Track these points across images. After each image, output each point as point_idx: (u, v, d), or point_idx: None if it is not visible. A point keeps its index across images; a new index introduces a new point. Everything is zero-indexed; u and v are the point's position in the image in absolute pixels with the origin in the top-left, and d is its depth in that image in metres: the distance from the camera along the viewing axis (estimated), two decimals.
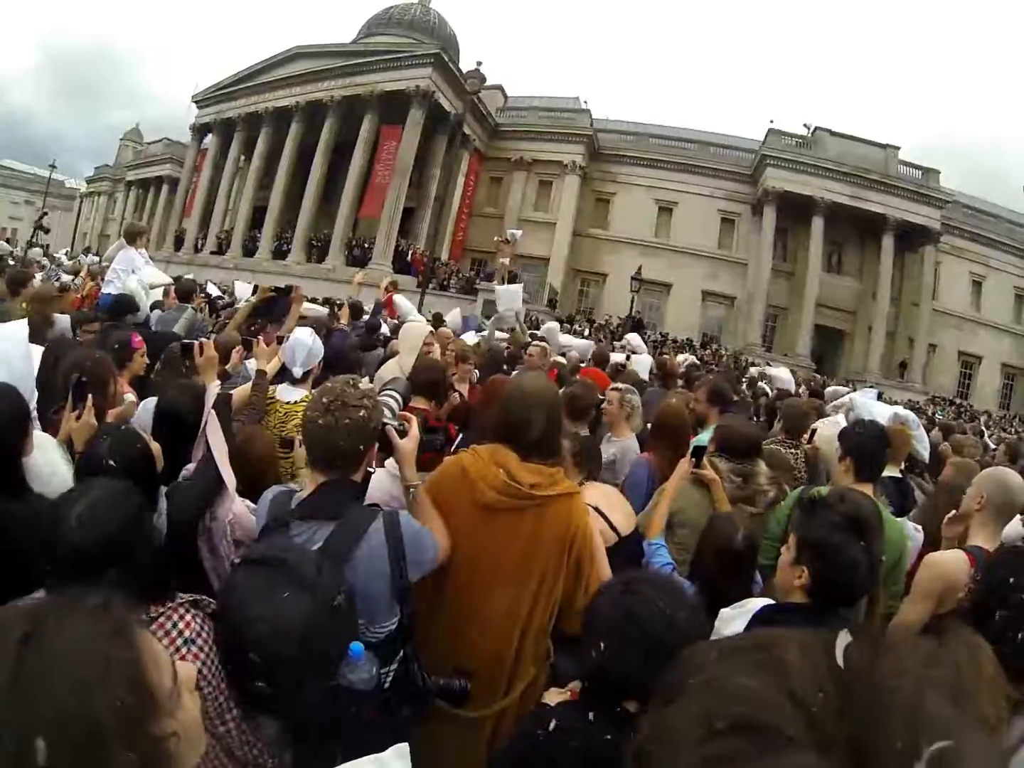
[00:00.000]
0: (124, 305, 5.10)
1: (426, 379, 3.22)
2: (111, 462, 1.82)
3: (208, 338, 5.54)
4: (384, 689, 1.60)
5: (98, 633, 0.55)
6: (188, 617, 1.40)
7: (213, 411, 2.24)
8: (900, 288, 29.76)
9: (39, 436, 2.00)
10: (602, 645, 1.33)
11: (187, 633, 1.37)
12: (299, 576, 1.39)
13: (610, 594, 1.43)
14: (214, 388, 2.37)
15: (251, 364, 3.73)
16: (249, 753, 1.43)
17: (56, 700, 0.49)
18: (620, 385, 4.04)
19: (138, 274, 5.87)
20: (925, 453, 4.90)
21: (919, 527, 2.93)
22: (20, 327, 2.75)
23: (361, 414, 1.63)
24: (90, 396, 2.35)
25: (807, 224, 29.08)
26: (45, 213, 32.85)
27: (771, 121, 31.25)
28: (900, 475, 3.81)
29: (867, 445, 2.77)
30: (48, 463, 1.93)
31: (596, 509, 2.35)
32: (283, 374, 3.51)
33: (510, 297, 8.22)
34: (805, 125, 31.43)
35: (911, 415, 5.04)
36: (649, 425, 3.75)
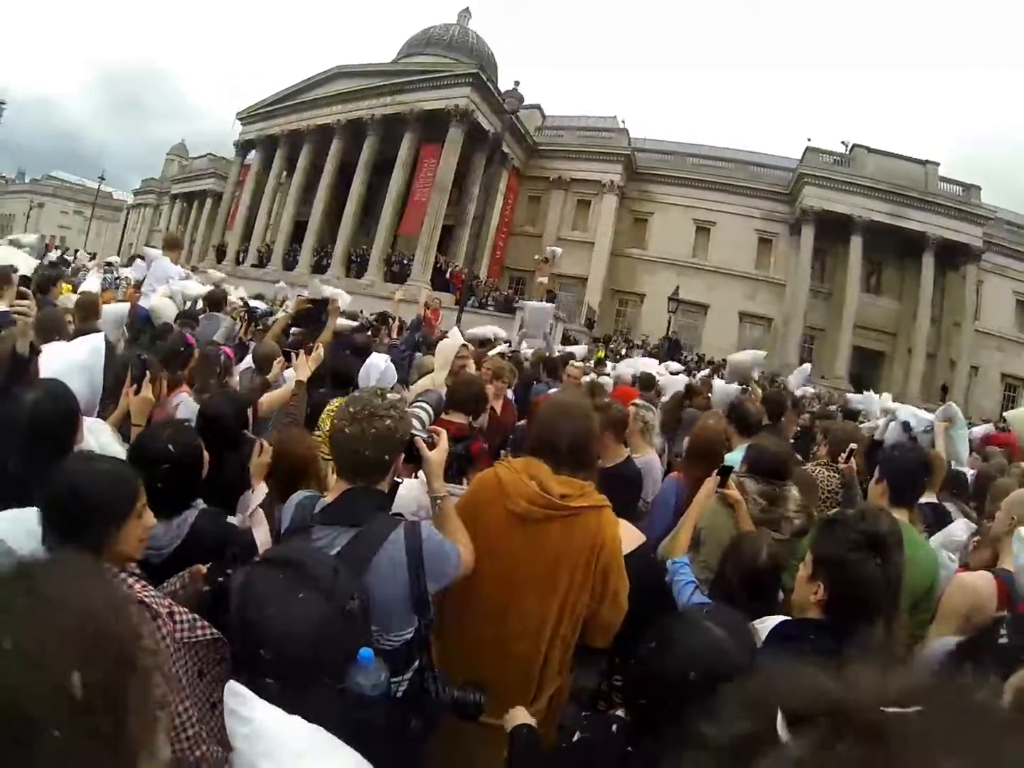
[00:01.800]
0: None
1: (466, 394, 3.30)
2: (170, 447, 1.92)
3: (248, 344, 5.68)
4: (396, 698, 1.61)
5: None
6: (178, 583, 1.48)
7: (260, 510, 2.26)
8: (941, 308, 29.08)
9: (91, 422, 2.16)
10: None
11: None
12: (314, 578, 1.43)
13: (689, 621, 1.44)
14: (261, 491, 2.35)
15: (289, 374, 3.86)
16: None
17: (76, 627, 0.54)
18: (637, 401, 4.12)
19: (172, 285, 6.03)
20: (965, 454, 4.86)
21: (954, 556, 2.84)
22: (98, 339, 2.95)
23: (387, 424, 1.66)
24: (149, 373, 2.56)
25: (846, 243, 28.66)
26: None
27: (808, 139, 30.76)
28: (936, 500, 3.71)
29: (905, 469, 2.72)
30: (101, 446, 2.05)
31: None
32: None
33: (536, 315, 8.22)
34: (843, 142, 31.05)
35: (957, 410, 4.90)
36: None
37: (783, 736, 0.43)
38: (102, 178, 47.22)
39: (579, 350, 10.13)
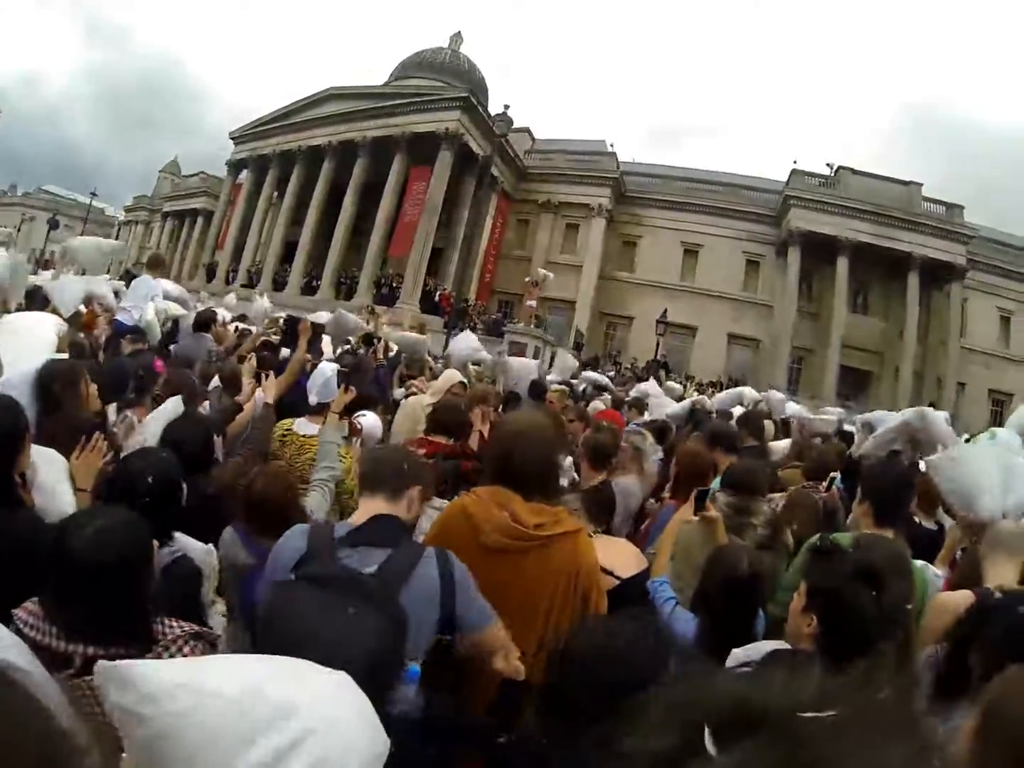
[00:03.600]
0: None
1: (448, 419, 3.38)
2: (149, 479, 1.86)
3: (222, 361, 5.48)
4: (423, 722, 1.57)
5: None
6: (187, 650, 1.39)
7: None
8: (927, 327, 29.42)
9: (45, 452, 2.01)
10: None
11: None
12: (363, 593, 1.41)
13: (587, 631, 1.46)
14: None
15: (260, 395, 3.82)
16: None
17: None
18: (632, 426, 4.20)
19: (156, 303, 6.00)
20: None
21: (939, 573, 2.69)
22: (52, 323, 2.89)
23: (411, 449, 1.79)
24: (97, 435, 2.31)
25: (832, 264, 29.02)
26: (55, 218, 34.32)
27: (794, 161, 31.30)
28: (938, 525, 3.57)
29: (886, 488, 2.65)
30: (52, 480, 1.95)
31: None
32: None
33: (524, 370, 8.07)
34: (828, 165, 31.58)
35: (930, 411, 4.78)
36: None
37: (711, 750, 0.44)
38: (94, 194, 47.43)
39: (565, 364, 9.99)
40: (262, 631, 1.46)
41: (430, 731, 1.61)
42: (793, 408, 9.34)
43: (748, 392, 9.29)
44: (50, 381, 2.46)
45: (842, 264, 28.91)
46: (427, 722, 1.59)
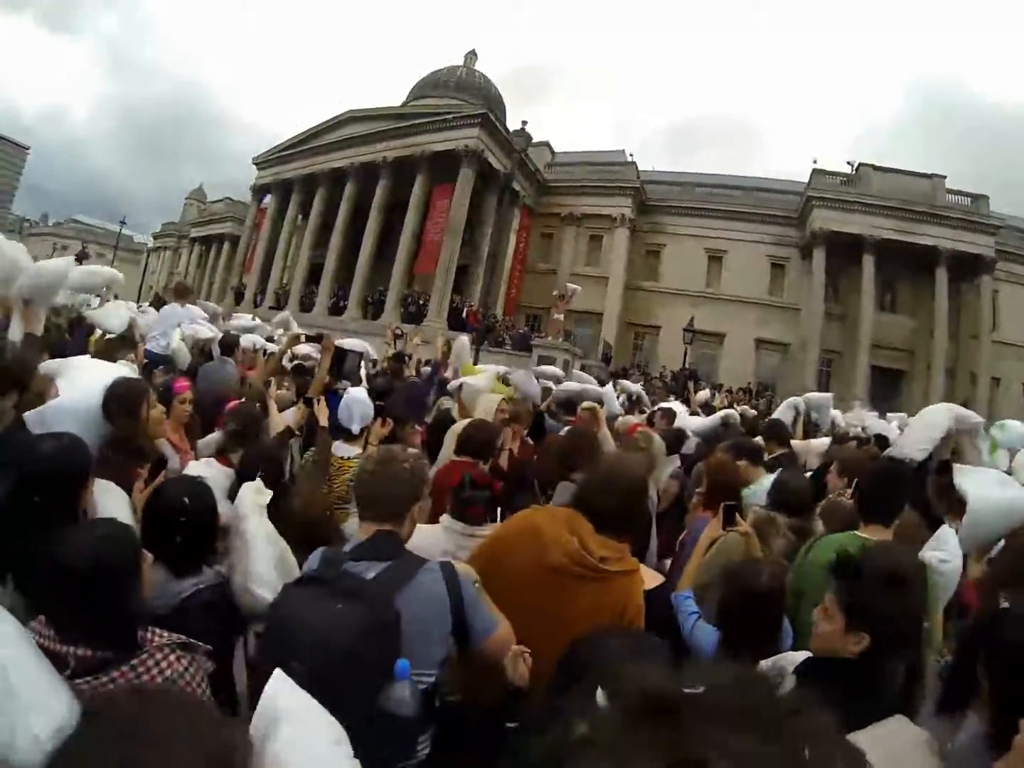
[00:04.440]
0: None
1: (479, 440, 3.38)
2: (186, 500, 1.95)
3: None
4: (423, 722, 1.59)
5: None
6: (172, 658, 1.43)
7: None
8: (958, 322, 28.74)
9: (102, 483, 2.09)
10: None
11: (168, 673, 1.40)
12: (352, 591, 1.48)
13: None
14: None
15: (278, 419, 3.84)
16: None
17: None
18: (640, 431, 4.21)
19: (183, 328, 6.00)
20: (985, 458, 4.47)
21: (945, 558, 2.53)
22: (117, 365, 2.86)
23: (404, 466, 1.80)
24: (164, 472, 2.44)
25: (858, 263, 28.54)
26: (85, 250, 35.30)
27: (815, 161, 30.92)
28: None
29: (875, 483, 2.66)
30: (113, 510, 2.02)
31: None
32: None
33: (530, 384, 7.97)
34: (848, 163, 31.29)
35: (971, 414, 4.52)
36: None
37: (600, 701, 0.50)
38: (123, 222, 48.56)
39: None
40: (266, 626, 1.60)
41: (439, 722, 1.67)
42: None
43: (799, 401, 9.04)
44: (109, 399, 2.55)
45: (868, 263, 28.44)
46: (437, 713, 1.66)
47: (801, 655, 1.79)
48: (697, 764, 0.42)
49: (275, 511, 2.26)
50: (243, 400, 3.93)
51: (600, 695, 0.50)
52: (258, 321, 11.14)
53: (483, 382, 5.80)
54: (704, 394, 14.73)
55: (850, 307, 29.31)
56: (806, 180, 30.47)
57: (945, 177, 29.49)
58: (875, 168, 30.07)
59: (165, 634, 1.49)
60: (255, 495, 2.22)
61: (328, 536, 2.28)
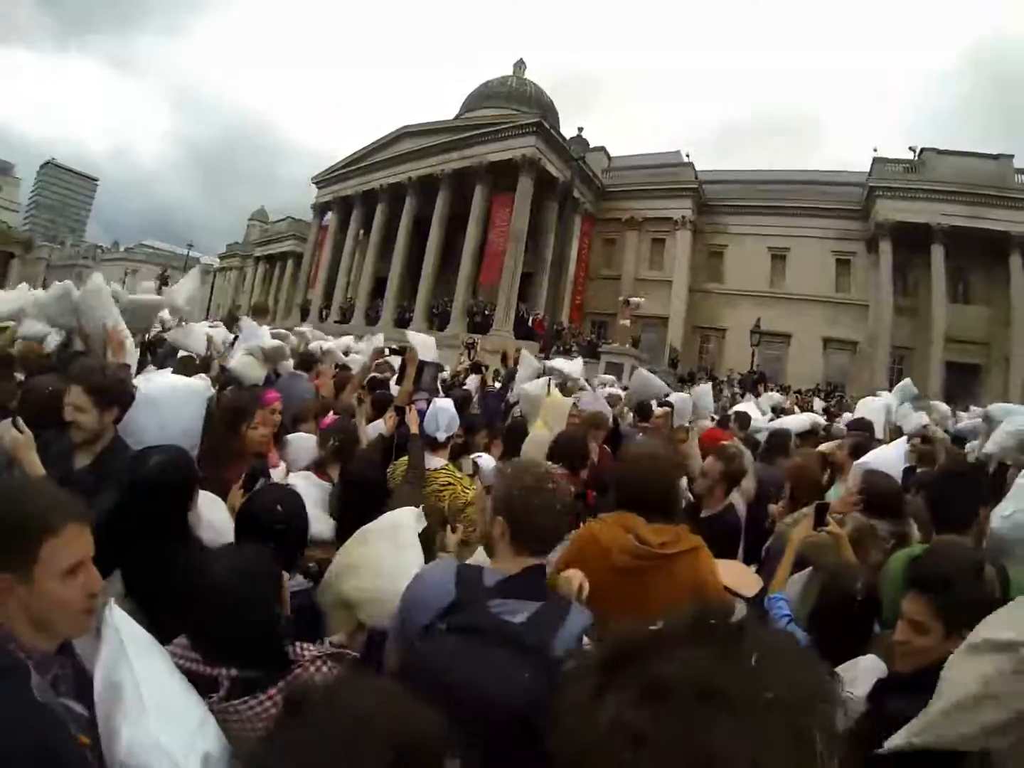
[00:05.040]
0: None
1: (571, 449, 3.42)
2: (279, 507, 2.00)
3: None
4: None
5: None
6: (325, 668, 1.46)
7: None
8: None
9: (204, 494, 2.19)
10: None
11: None
12: (512, 639, 1.37)
13: None
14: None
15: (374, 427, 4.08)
16: None
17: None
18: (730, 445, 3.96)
19: (259, 343, 5.81)
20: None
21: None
22: (204, 385, 2.99)
23: (557, 491, 1.66)
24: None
25: (926, 254, 27.59)
26: (165, 274, 37.10)
27: (875, 149, 30.04)
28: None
29: (944, 489, 2.67)
30: (218, 518, 2.22)
31: None
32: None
33: (649, 384, 7.85)
34: (911, 148, 30.03)
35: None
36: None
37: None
38: (190, 245, 50.81)
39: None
40: (403, 673, 1.43)
41: None
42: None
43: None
44: (216, 410, 2.79)
45: (937, 252, 27.47)
46: None
47: (871, 660, 1.83)
48: (663, 685, 0.50)
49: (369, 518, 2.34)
50: (338, 415, 4.11)
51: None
52: (331, 339, 11.78)
53: (537, 389, 5.89)
54: (776, 396, 14.65)
55: (920, 300, 28.36)
56: (867, 170, 29.69)
57: (1012, 156, 28.25)
58: (938, 152, 29.01)
59: (311, 647, 1.54)
60: (415, 522, 2.30)
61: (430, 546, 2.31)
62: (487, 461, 3.70)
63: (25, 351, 4.40)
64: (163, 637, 1.41)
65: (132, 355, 4.02)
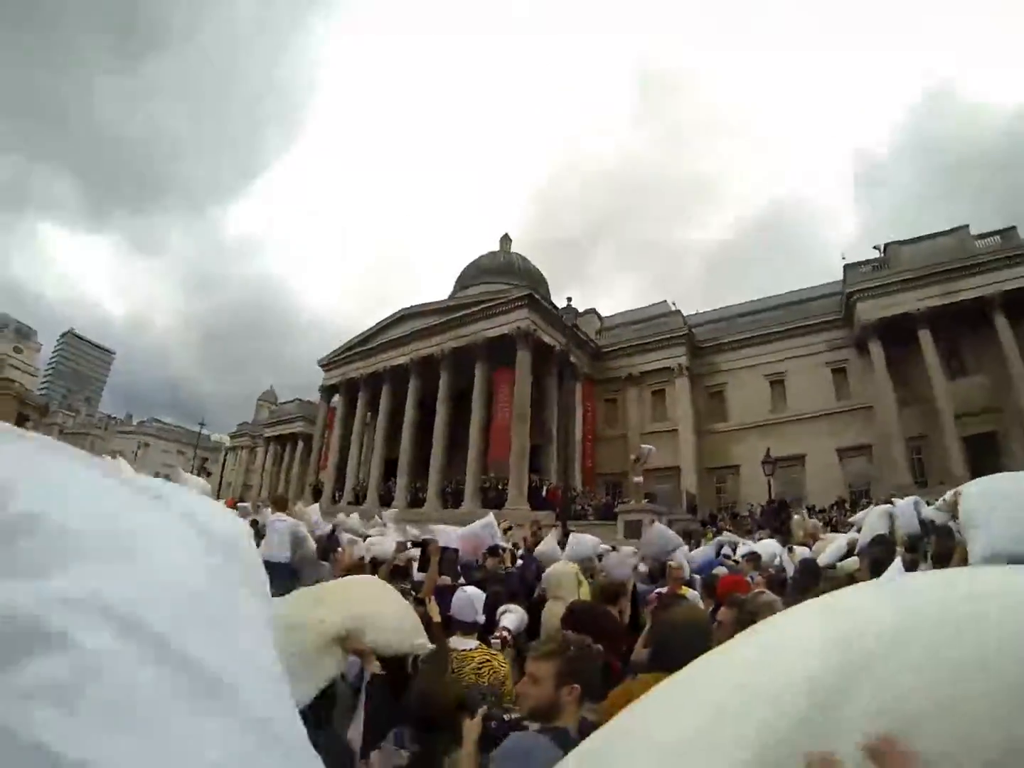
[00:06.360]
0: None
1: (589, 624, 3.38)
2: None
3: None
4: None
5: None
6: None
7: None
8: None
9: None
10: None
11: None
12: None
13: None
14: None
15: None
16: None
17: None
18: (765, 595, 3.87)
19: (277, 526, 5.92)
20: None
21: None
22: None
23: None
24: None
25: (915, 341, 28.19)
26: (206, 460, 37.78)
27: (843, 257, 31.75)
28: None
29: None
30: None
31: None
32: None
33: (661, 538, 7.88)
34: (875, 247, 31.56)
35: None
36: None
37: None
38: (202, 423, 51.65)
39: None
40: None
41: None
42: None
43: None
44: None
45: (924, 336, 28.09)
46: None
47: None
48: None
49: (395, 699, 2.68)
50: None
51: None
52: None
53: (561, 566, 5.87)
54: (813, 522, 13.92)
55: (921, 387, 28.61)
56: (840, 278, 30.97)
57: (967, 226, 29.51)
58: (901, 243, 30.33)
59: None
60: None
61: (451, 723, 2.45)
62: (513, 619, 4.20)
63: None
64: None
65: None
